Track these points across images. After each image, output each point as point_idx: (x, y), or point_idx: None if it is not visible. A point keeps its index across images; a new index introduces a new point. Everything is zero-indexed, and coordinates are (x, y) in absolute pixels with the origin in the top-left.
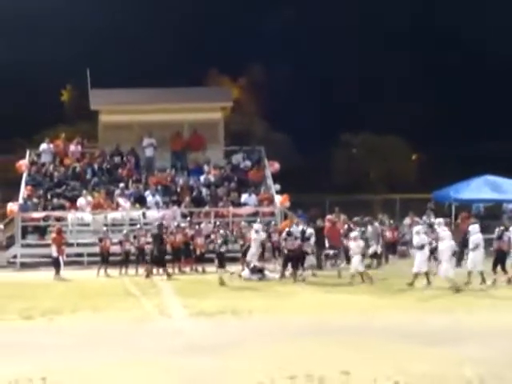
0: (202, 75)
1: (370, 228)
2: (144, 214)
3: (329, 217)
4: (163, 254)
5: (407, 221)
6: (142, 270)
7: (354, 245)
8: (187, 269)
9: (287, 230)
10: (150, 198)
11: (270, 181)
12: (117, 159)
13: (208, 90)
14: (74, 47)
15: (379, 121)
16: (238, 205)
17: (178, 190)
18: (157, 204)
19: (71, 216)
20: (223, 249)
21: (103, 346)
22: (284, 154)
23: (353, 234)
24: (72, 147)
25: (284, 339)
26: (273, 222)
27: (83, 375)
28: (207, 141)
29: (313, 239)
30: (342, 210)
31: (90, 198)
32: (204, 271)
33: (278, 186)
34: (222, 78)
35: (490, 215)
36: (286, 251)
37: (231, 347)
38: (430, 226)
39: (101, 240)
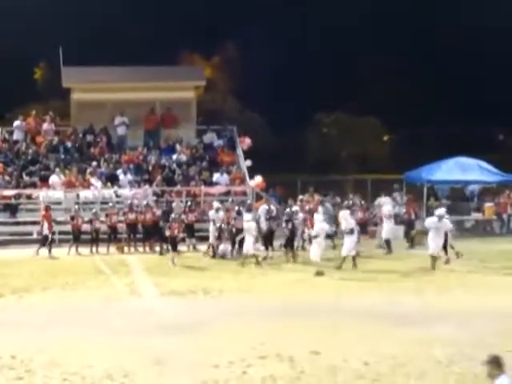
0: (175, 54)
1: (320, 208)
2: (116, 193)
3: (302, 197)
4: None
5: (379, 201)
6: (113, 249)
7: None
8: (157, 248)
9: (237, 209)
10: (121, 177)
11: (241, 160)
12: (89, 137)
13: (181, 69)
14: (46, 25)
15: (353, 101)
16: (210, 184)
17: (150, 168)
18: (129, 183)
19: (43, 194)
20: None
21: (73, 325)
22: (256, 133)
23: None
24: (45, 125)
25: (255, 319)
26: (248, 201)
27: (52, 353)
28: (180, 120)
29: (298, 219)
30: (314, 191)
31: (62, 176)
32: (194, 248)
33: (248, 162)
34: (194, 56)
35: (459, 197)
36: (234, 230)
37: (202, 327)
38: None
39: (72, 218)
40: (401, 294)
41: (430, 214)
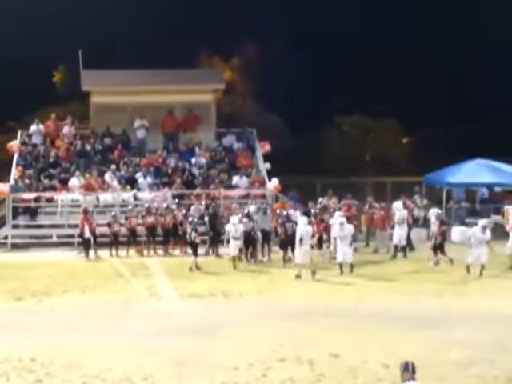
0: (194, 56)
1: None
2: (135, 196)
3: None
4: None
5: (399, 204)
6: (132, 252)
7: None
8: (177, 251)
9: (245, 211)
10: (141, 180)
11: (261, 163)
12: (108, 141)
13: (200, 72)
14: (66, 28)
15: (372, 103)
16: (229, 187)
17: (170, 171)
18: (148, 186)
19: (62, 197)
20: (194, 236)
21: (93, 328)
22: (276, 135)
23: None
24: (65, 129)
25: (274, 322)
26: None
27: (72, 356)
28: (200, 122)
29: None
30: (334, 193)
31: (81, 180)
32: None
33: (268, 165)
34: (214, 59)
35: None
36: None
37: (221, 329)
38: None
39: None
40: (421, 297)
41: (448, 216)
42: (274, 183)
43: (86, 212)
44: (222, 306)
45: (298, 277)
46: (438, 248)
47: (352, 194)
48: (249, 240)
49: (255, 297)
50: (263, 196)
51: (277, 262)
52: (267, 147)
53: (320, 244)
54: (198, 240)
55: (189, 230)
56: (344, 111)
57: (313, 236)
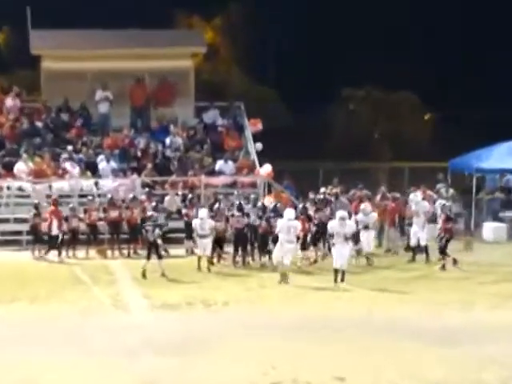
0: (170, 15)
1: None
2: (97, 184)
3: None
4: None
5: (417, 195)
6: (93, 252)
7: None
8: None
9: (237, 204)
10: (103, 165)
11: (250, 144)
12: (64, 116)
13: (176, 33)
14: None
15: (386, 73)
16: (212, 173)
17: (138, 154)
18: (112, 172)
19: (7, 185)
20: (155, 236)
21: (46, 344)
22: (269, 111)
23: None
24: (9, 101)
25: (267, 337)
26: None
27: (23, 377)
28: (175, 94)
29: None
30: (341, 181)
31: (30, 164)
32: (167, 253)
33: (259, 145)
34: (193, 18)
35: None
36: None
37: (201, 346)
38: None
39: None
40: (443, 308)
41: (478, 209)
42: (266, 169)
43: (55, 203)
44: (202, 317)
45: (284, 280)
46: (444, 249)
47: (362, 182)
48: (240, 239)
49: (243, 306)
50: (253, 185)
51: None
52: (259, 126)
53: (314, 243)
54: (160, 240)
55: (148, 226)
56: (352, 83)
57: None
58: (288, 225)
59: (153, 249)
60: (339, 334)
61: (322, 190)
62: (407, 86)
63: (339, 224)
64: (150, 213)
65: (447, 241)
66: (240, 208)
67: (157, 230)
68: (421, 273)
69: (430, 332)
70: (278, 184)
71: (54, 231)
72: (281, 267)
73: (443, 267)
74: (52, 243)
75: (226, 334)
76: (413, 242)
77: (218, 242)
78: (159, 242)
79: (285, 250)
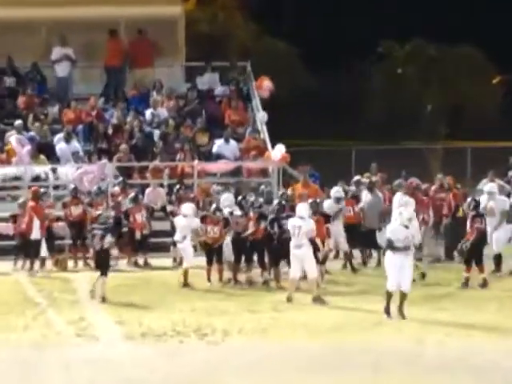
0: None
1: (366, 195)
2: (54, 171)
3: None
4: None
5: (488, 184)
6: (50, 263)
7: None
8: (122, 261)
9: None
10: (62, 145)
11: (260, 118)
12: (9, 81)
13: None
14: None
15: (440, 23)
16: (209, 157)
17: (110, 132)
18: (74, 155)
19: None
20: (106, 245)
21: None
22: (284, 73)
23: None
24: None
25: (278, 377)
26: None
27: None
28: (159, 51)
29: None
30: (381, 167)
31: None
32: (147, 264)
33: (263, 115)
34: None
35: None
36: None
37: None
38: None
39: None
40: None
41: None
42: (279, 151)
43: (36, 197)
44: (194, 352)
45: (289, 300)
46: (473, 257)
47: (410, 168)
48: (239, 247)
49: (247, 336)
50: (264, 172)
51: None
52: (267, 86)
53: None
54: (113, 250)
55: (97, 230)
56: (394, 35)
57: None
58: (294, 224)
59: (101, 259)
60: (381, 375)
61: (356, 178)
62: (469, 38)
63: (402, 226)
64: (98, 212)
65: (476, 246)
66: (240, 204)
67: (108, 237)
68: (490, 291)
69: (505, 370)
70: (296, 171)
71: (35, 235)
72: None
73: (485, 284)
74: (32, 252)
75: (226, 375)
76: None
77: (213, 253)
78: (112, 251)
79: (296, 259)
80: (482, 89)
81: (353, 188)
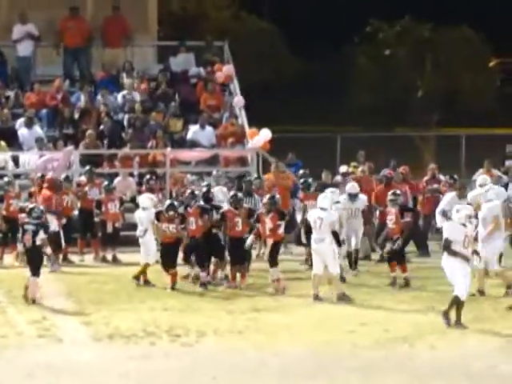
0: None
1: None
2: (14, 159)
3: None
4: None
5: (480, 177)
6: (10, 257)
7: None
8: (89, 255)
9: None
10: (24, 131)
11: (238, 100)
12: None
13: None
14: None
15: (434, 3)
16: (182, 144)
17: (76, 116)
18: (38, 141)
19: None
20: (40, 242)
21: None
22: (267, 55)
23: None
24: None
25: (257, 383)
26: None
27: None
28: (130, 29)
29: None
30: (368, 156)
31: None
32: (116, 260)
33: (239, 100)
34: None
35: None
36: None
37: None
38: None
39: None
40: None
41: None
42: (263, 136)
43: (53, 187)
44: (166, 355)
45: (317, 298)
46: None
47: (399, 157)
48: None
49: (224, 338)
50: (242, 160)
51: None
52: (228, 69)
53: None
54: (46, 248)
55: (28, 225)
56: (383, 14)
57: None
58: (316, 216)
59: (32, 258)
60: (372, 381)
61: (342, 168)
62: (463, 19)
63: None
64: (27, 204)
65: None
66: (207, 197)
67: (41, 233)
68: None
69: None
70: (275, 159)
71: (54, 226)
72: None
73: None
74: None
75: (200, 381)
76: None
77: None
78: (46, 249)
79: (318, 254)
80: (477, 72)
81: (339, 178)
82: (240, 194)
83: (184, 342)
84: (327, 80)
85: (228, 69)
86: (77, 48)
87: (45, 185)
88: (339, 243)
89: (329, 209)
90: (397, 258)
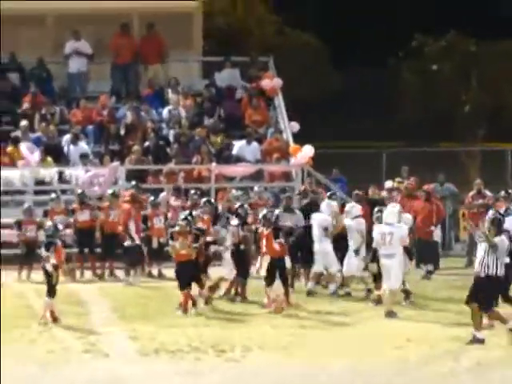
0: None
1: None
2: (61, 175)
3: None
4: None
5: None
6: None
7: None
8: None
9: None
10: (70, 147)
11: (283, 118)
12: (14, 77)
13: None
14: None
15: (480, 15)
16: (228, 159)
17: (122, 132)
18: (82, 157)
19: None
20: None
21: None
22: (309, 70)
23: None
24: None
25: None
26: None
27: None
28: (174, 46)
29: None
30: (413, 171)
31: None
32: (161, 275)
33: (295, 126)
34: None
35: None
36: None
37: None
38: None
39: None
40: None
41: None
42: (306, 153)
43: (134, 200)
44: (211, 370)
45: (390, 315)
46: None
47: (445, 171)
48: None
49: (271, 354)
50: (286, 176)
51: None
52: (276, 83)
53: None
54: (49, 265)
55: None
56: (428, 28)
57: None
58: (384, 231)
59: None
60: None
61: (388, 183)
62: (508, 33)
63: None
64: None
65: None
66: (238, 214)
67: (43, 250)
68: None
69: None
70: (320, 175)
71: (134, 239)
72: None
73: None
74: (133, 258)
75: None
76: None
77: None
78: (48, 266)
79: (387, 269)
80: None
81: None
82: (271, 213)
83: (229, 357)
84: (370, 94)
85: (277, 81)
86: (126, 64)
87: (126, 198)
88: (411, 257)
89: (396, 223)
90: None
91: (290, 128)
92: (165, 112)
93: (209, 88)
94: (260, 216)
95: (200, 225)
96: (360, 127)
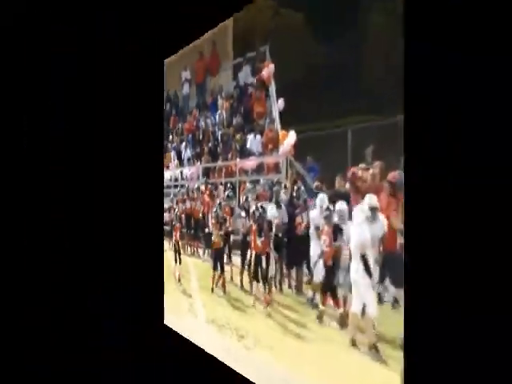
0: None
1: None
2: (181, 173)
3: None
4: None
5: None
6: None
7: None
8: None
9: (259, 204)
10: (184, 152)
11: (275, 106)
12: (166, 106)
13: None
14: None
15: None
16: (244, 153)
17: (200, 137)
18: (188, 160)
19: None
20: None
21: None
22: (295, 47)
23: None
24: None
25: None
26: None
27: None
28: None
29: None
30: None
31: None
32: None
33: (280, 103)
34: None
35: None
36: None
37: None
38: None
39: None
40: None
41: None
42: (290, 140)
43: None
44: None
45: None
46: None
47: None
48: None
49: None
50: (277, 167)
51: None
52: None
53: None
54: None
55: None
56: None
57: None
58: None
59: None
60: None
61: (352, 169)
62: None
63: None
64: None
65: None
66: (243, 206)
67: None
68: None
69: None
70: (297, 162)
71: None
72: None
73: None
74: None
75: None
76: None
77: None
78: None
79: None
80: None
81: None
82: (257, 209)
83: (245, 344)
84: (341, 67)
85: (271, 68)
86: (201, 82)
87: (207, 192)
88: None
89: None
90: None
91: (277, 106)
92: (217, 116)
93: (235, 89)
94: (250, 211)
95: (224, 215)
96: (333, 104)
